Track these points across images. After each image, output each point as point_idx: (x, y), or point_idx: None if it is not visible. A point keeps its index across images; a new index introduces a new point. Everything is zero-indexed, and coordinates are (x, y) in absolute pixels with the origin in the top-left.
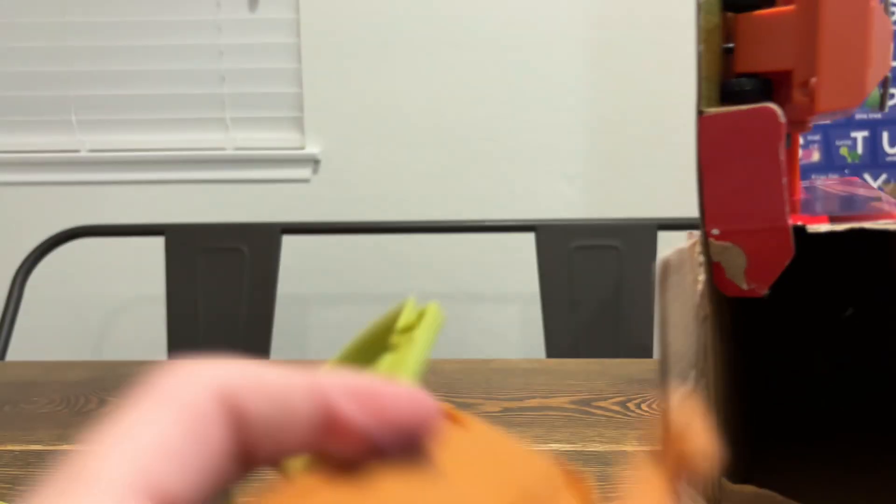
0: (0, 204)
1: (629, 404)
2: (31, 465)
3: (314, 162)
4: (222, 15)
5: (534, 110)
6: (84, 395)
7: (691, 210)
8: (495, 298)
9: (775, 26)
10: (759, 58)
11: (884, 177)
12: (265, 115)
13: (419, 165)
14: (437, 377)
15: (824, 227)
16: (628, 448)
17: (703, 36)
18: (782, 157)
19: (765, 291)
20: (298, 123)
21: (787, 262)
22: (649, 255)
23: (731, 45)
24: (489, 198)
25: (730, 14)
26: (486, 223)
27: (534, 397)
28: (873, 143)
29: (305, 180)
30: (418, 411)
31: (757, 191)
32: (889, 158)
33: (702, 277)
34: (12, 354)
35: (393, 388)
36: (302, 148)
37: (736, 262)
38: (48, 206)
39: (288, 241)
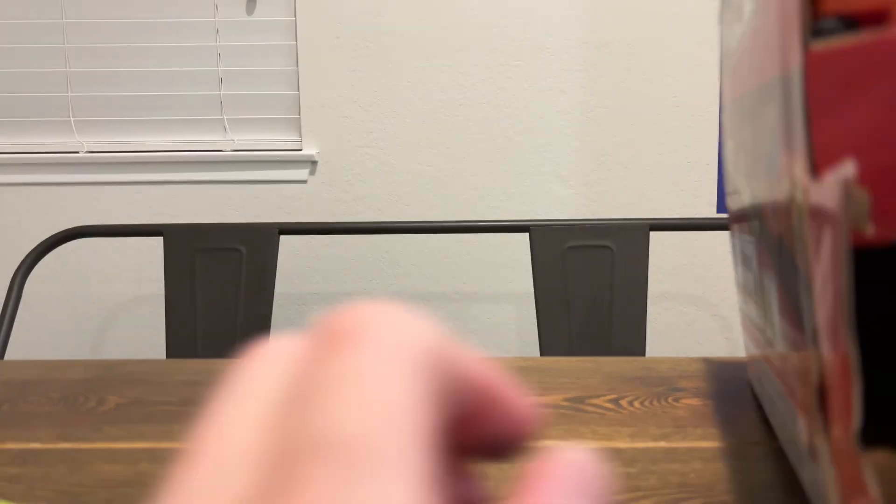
0: None
1: (622, 401)
2: (30, 464)
3: (311, 163)
4: (220, 17)
5: (528, 112)
6: (83, 393)
7: (683, 211)
8: (490, 298)
9: None
10: None
11: None
12: (263, 117)
13: (415, 166)
14: None
15: None
16: (621, 445)
17: None
18: None
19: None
20: (296, 125)
21: None
22: (641, 254)
23: None
24: (484, 198)
25: None
26: (481, 223)
27: (528, 395)
28: None
29: (303, 181)
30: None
31: (886, 122)
32: None
33: (831, 230)
34: (11, 353)
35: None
36: (299, 149)
37: (859, 207)
38: (47, 206)
39: (285, 242)
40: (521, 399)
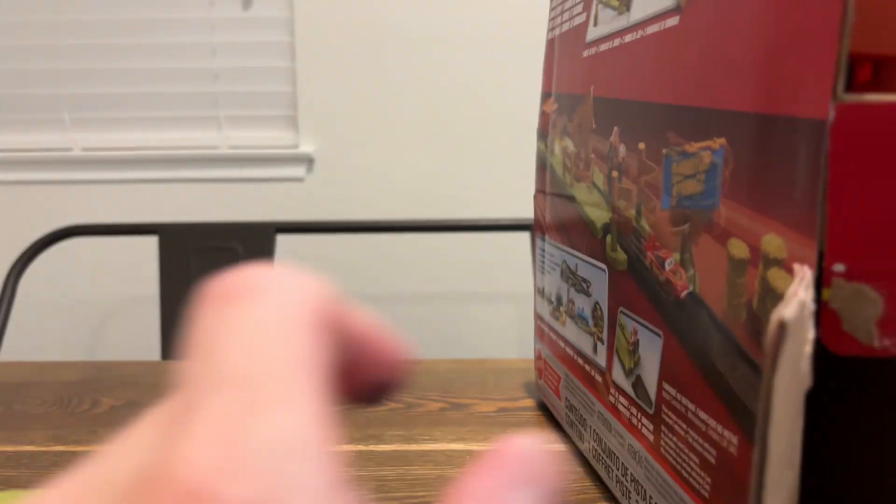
0: None
1: None
2: (24, 467)
3: (308, 161)
4: (216, 13)
5: (528, 109)
6: (77, 395)
7: None
8: (490, 298)
9: None
10: (879, 39)
11: None
12: (259, 114)
13: (414, 164)
14: (432, 377)
15: None
16: None
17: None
18: None
19: None
20: (292, 122)
21: None
22: None
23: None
24: (484, 196)
25: None
26: (481, 222)
27: (529, 397)
28: None
29: (300, 179)
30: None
31: None
32: None
33: (811, 336)
34: (5, 354)
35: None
36: (296, 146)
37: (864, 311)
38: (41, 205)
39: (282, 241)
40: (394, 349)
